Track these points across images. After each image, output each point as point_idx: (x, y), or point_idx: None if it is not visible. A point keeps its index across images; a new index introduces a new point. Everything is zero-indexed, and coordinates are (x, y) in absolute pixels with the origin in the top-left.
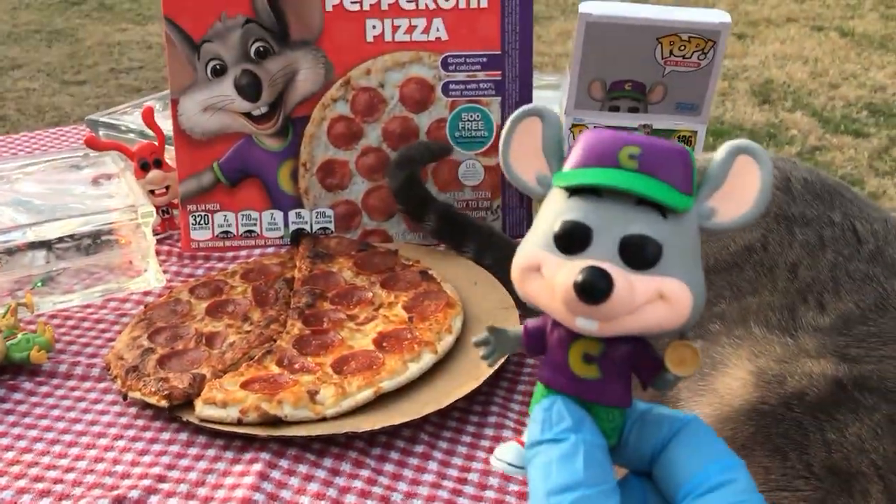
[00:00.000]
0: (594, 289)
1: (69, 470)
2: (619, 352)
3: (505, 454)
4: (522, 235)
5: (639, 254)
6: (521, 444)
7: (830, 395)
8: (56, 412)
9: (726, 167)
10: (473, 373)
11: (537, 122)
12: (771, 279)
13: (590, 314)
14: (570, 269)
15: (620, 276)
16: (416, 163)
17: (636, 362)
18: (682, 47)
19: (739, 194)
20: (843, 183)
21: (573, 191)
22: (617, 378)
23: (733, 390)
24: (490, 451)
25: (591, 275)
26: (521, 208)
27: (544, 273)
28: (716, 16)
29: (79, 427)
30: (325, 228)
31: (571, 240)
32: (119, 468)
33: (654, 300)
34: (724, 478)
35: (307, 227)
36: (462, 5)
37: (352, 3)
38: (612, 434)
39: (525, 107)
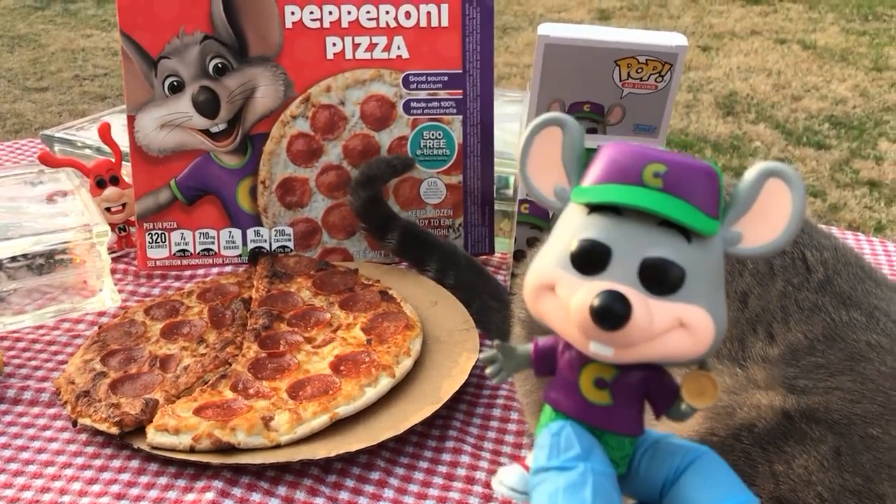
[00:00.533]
0: (611, 314)
1: (14, 501)
2: (633, 378)
3: (508, 479)
4: (485, 253)
5: (660, 278)
6: (525, 468)
7: (778, 426)
8: (2, 440)
9: (756, 190)
10: (432, 396)
11: (558, 132)
12: None
13: (605, 339)
14: (587, 292)
15: (639, 301)
16: (378, 181)
17: (650, 390)
18: (640, 70)
19: (769, 219)
20: None
21: (593, 207)
22: (629, 405)
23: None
24: (447, 476)
25: (609, 299)
26: (483, 226)
27: (559, 293)
28: (673, 38)
29: (25, 455)
30: (284, 247)
31: (589, 259)
32: (66, 498)
33: (675, 328)
34: None
35: (266, 246)
36: (423, 24)
37: (312, 20)
38: (621, 463)
39: (546, 115)
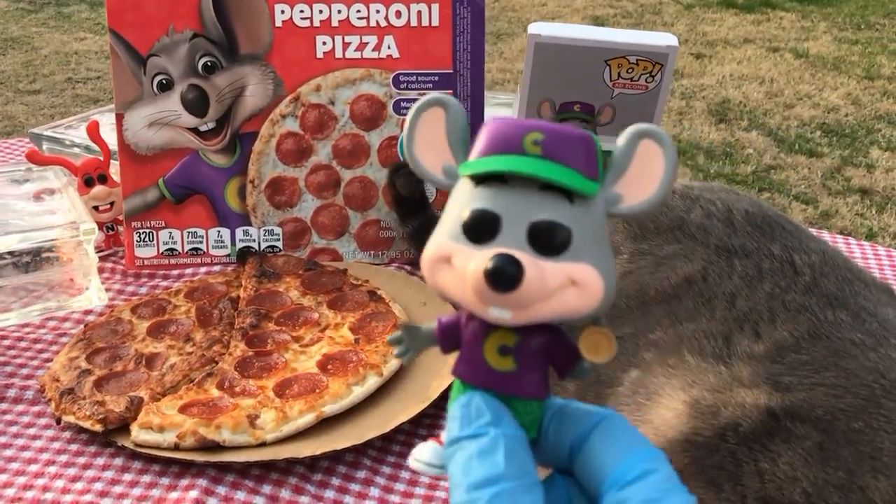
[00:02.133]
0: (505, 276)
1: None
2: (534, 342)
3: (423, 454)
4: None
5: (548, 240)
6: (440, 443)
7: (763, 425)
8: None
9: (630, 152)
10: (419, 395)
11: (441, 112)
12: (709, 309)
13: (502, 303)
14: (481, 258)
15: (531, 262)
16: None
17: (552, 352)
18: (630, 70)
19: (645, 179)
20: (784, 215)
21: (479, 179)
22: (533, 369)
23: (667, 421)
24: (434, 476)
25: (501, 262)
26: None
27: (455, 264)
28: (664, 39)
29: (8, 452)
30: (273, 247)
31: (480, 228)
32: (49, 495)
33: (566, 286)
34: (645, 468)
35: (255, 246)
36: (413, 23)
37: (302, 18)
38: (531, 427)
39: (428, 96)
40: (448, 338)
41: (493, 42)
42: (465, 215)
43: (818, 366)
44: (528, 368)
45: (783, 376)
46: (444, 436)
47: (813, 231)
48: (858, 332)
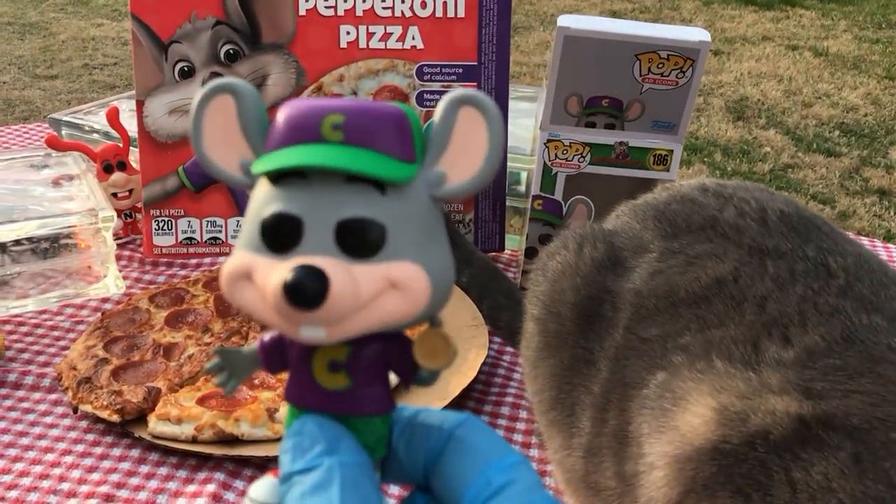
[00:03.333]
0: (306, 291)
1: (11, 487)
2: (368, 353)
3: (257, 492)
4: (495, 250)
5: (358, 240)
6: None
7: (794, 433)
8: (2, 424)
9: (449, 123)
10: (440, 392)
11: (230, 100)
12: (738, 312)
13: (312, 320)
14: (280, 272)
15: (339, 270)
16: None
17: (390, 360)
18: (661, 65)
19: (468, 152)
20: (820, 215)
21: (276, 176)
22: (371, 383)
23: (695, 428)
24: None
25: (300, 276)
26: (494, 222)
27: (255, 279)
28: (695, 34)
29: (25, 441)
30: None
31: (279, 235)
32: (65, 486)
33: (385, 290)
34: (502, 480)
35: None
36: (439, 14)
37: (326, 7)
38: (377, 447)
39: (213, 82)
40: (273, 359)
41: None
42: (261, 221)
43: (852, 372)
44: (364, 383)
45: (815, 382)
46: (279, 469)
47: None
48: (895, 337)
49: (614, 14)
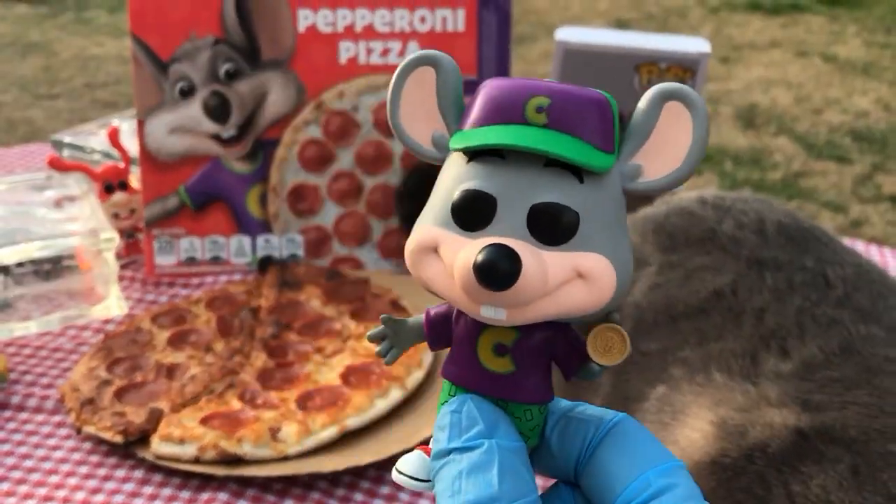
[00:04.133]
0: (498, 272)
1: None
2: (535, 340)
3: (407, 466)
4: None
5: (552, 226)
6: (427, 452)
7: (793, 445)
8: (6, 447)
9: (653, 117)
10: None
11: (431, 73)
12: (737, 325)
13: (496, 301)
14: (471, 250)
15: (530, 254)
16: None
17: (555, 351)
18: (661, 76)
19: (670, 148)
20: (820, 226)
21: (473, 154)
22: (534, 370)
23: (694, 442)
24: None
25: (495, 255)
26: None
27: (442, 254)
28: (695, 45)
29: (29, 463)
30: (294, 255)
31: (472, 213)
32: None
33: (572, 279)
34: (663, 483)
35: (276, 254)
36: (438, 29)
37: (325, 24)
38: (531, 435)
39: (416, 54)
40: (437, 334)
41: (514, 45)
42: (454, 197)
43: (850, 383)
44: (527, 369)
45: (813, 394)
46: (432, 445)
47: (844, 240)
48: (893, 347)
49: (620, 23)
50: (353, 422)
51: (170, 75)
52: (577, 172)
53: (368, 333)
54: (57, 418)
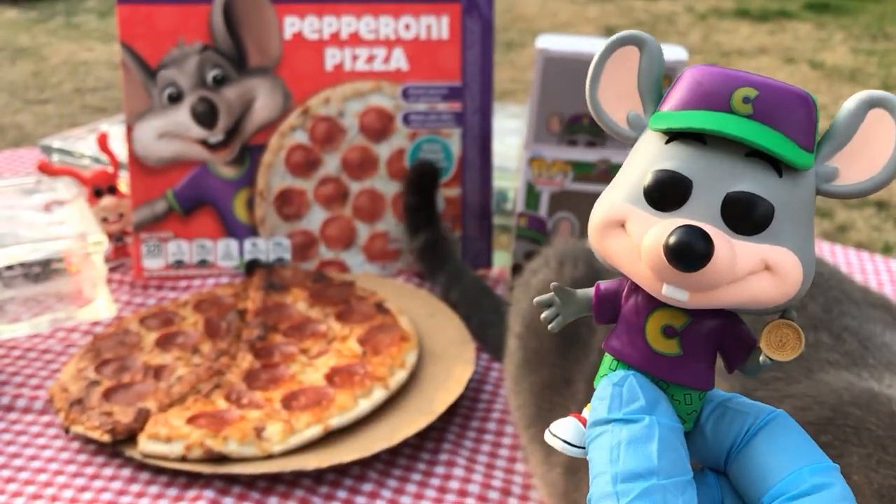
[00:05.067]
0: (690, 253)
1: None
2: (705, 327)
3: (562, 431)
4: (483, 267)
5: (746, 215)
6: (582, 420)
7: None
8: None
9: (856, 121)
10: (426, 409)
11: (634, 52)
12: None
13: (681, 282)
14: (663, 229)
15: (722, 239)
16: (416, 187)
17: (724, 340)
18: None
19: (869, 154)
20: None
21: (673, 136)
22: (700, 356)
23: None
24: (440, 489)
25: (689, 236)
26: (482, 240)
27: (629, 230)
28: (672, 52)
29: (18, 462)
30: (281, 258)
31: (666, 193)
32: None
33: (759, 271)
34: (818, 481)
35: (263, 257)
36: (423, 36)
37: (311, 31)
38: (687, 419)
39: (622, 33)
40: (605, 308)
41: (503, 52)
42: (649, 176)
43: (790, 381)
44: (694, 354)
45: (756, 391)
46: (588, 414)
47: (827, 245)
48: (836, 352)
49: (609, 29)
50: (336, 421)
51: (158, 81)
52: (777, 167)
53: (536, 300)
54: (46, 418)
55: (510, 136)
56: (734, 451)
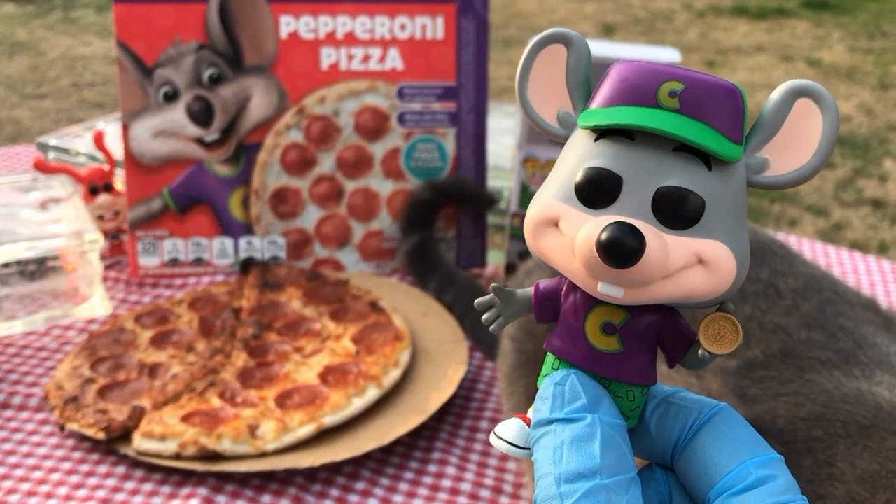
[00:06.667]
0: (622, 249)
1: None
2: (644, 322)
3: (506, 432)
4: (477, 266)
5: (677, 210)
6: (526, 421)
7: None
8: None
9: (783, 112)
10: (419, 408)
11: (562, 50)
12: None
13: (615, 278)
14: (594, 226)
15: (653, 235)
16: (447, 197)
17: (663, 335)
18: None
19: (798, 144)
20: (780, 241)
21: (601, 133)
22: (640, 352)
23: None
24: (432, 487)
25: (619, 232)
26: (476, 239)
27: (563, 228)
28: (666, 54)
29: (13, 459)
30: (276, 257)
31: (596, 190)
32: (52, 502)
33: (692, 265)
34: (763, 473)
35: (258, 255)
36: (418, 36)
37: (307, 31)
38: (630, 416)
39: (549, 31)
40: (545, 307)
41: (501, 50)
42: (579, 174)
43: (784, 379)
44: (634, 350)
45: (749, 389)
46: (532, 415)
47: (820, 245)
48: (829, 350)
49: (606, 26)
50: (330, 420)
51: (154, 80)
52: (706, 160)
53: (476, 301)
54: (41, 416)
55: (505, 135)
56: (679, 447)
